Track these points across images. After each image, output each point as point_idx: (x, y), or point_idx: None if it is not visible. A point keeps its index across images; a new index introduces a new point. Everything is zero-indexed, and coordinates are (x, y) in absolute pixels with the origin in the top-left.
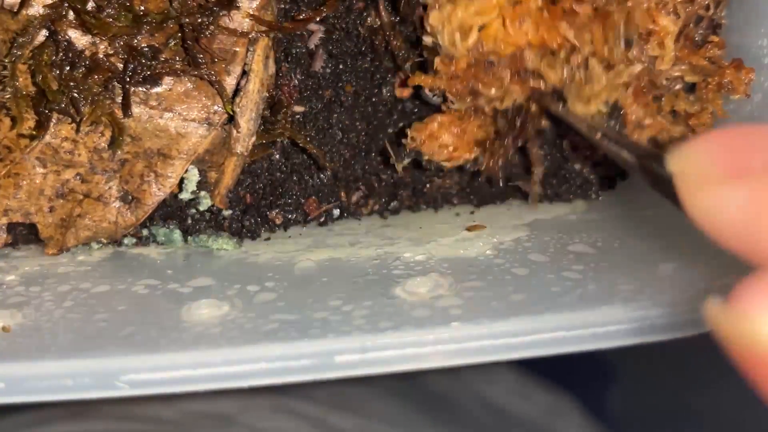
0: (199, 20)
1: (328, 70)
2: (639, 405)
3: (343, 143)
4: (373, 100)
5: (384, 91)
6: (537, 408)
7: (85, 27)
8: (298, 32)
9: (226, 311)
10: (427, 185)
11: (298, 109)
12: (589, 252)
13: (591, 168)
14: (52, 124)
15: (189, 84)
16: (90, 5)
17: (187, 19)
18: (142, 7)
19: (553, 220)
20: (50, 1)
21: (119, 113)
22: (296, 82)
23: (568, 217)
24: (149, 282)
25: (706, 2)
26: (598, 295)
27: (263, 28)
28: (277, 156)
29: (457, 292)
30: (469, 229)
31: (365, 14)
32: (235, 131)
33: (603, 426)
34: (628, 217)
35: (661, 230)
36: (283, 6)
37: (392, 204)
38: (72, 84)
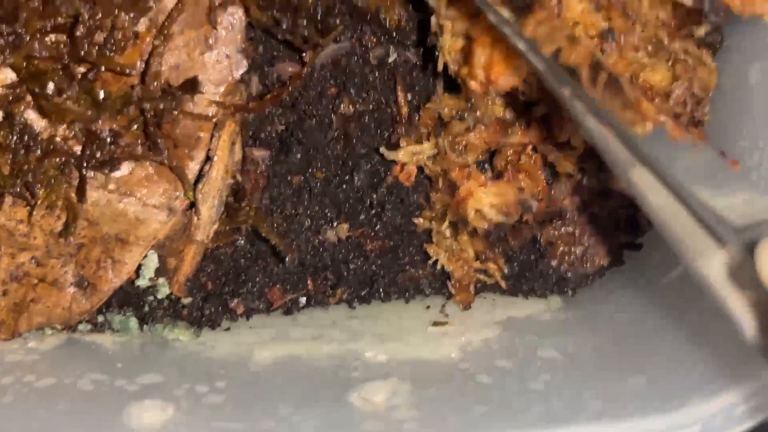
0: (162, 106)
1: (299, 156)
2: None
3: (311, 230)
4: (344, 186)
5: (356, 178)
6: None
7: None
8: (266, 114)
9: (171, 415)
10: (400, 274)
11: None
12: (559, 359)
13: (567, 265)
14: (7, 206)
15: (151, 168)
16: (50, 88)
17: (148, 105)
18: (103, 91)
19: (526, 319)
20: (9, 82)
21: (75, 197)
22: (263, 167)
23: (542, 316)
24: (96, 377)
25: (683, 99)
26: (562, 412)
27: (229, 112)
28: (242, 242)
29: (415, 403)
30: (436, 324)
31: (337, 101)
32: (195, 218)
33: None
34: (602, 319)
35: (636, 334)
36: (252, 92)
37: (362, 293)
38: (26, 168)
